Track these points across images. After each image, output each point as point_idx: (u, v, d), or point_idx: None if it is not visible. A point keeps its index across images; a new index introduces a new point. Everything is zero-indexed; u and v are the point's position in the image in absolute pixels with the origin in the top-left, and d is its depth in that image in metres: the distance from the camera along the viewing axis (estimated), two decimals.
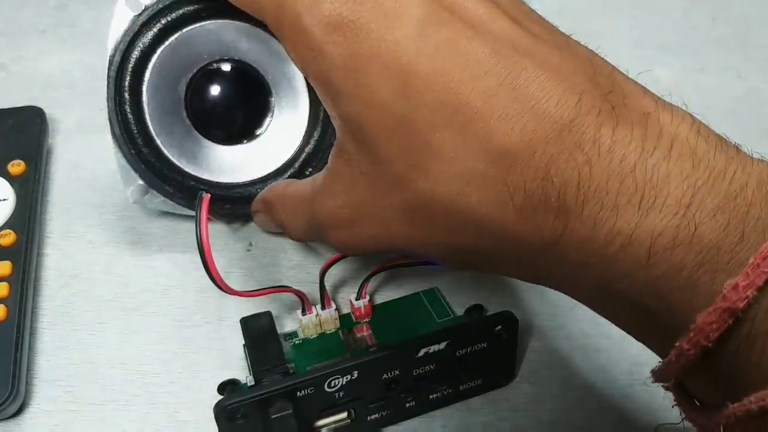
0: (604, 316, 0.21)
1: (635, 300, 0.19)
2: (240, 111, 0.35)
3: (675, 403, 0.21)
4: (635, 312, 0.19)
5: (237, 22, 0.32)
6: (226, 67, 0.34)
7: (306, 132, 0.35)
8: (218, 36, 0.33)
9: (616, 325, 0.21)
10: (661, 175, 0.18)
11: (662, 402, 0.31)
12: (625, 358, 0.32)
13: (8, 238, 0.32)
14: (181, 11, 0.32)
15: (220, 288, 0.26)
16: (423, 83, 0.20)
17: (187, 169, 0.33)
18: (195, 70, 0.33)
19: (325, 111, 0.34)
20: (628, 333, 0.21)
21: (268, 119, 0.35)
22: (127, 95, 0.32)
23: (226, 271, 0.34)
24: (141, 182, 0.32)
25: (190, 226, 0.35)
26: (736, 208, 0.17)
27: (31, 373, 0.30)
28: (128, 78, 0.32)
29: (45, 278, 0.33)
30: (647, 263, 0.18)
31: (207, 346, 0.31)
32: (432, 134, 0.20)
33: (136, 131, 0.32)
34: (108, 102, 0.32)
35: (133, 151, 0.32)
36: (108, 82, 0.31)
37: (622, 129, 0.18)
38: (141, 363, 0.31)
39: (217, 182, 0.34)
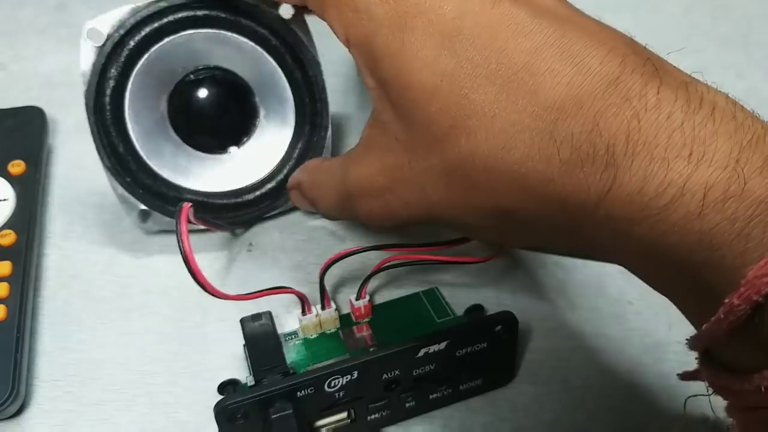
0: (645, 279, 0.21)
1: (683, 256, 0.18)
2: (225, 117, 0.35)
3: (704, 372, 0.21)
4: (682, 270, 0.19)
5: (202, 31, 0.33)
6: (203, 76, 0.34)
7: (296, 129, 0.35)
8: (188, 47, 0.33)
9: (655, 288, 0.21)
10: (708, 132, 0.18)
11: (662, 402, 0.31)
12: (625, 359, 0.32)
13: (8, 238, 0.33)
14: (143, 33, 0.32)
15: (213, 295, 0.26)
16: (467, 40, 0.20)
17: (184, 185, 0.34)
18: (173, 86, 0.33)
19: (311, 105, 0.34)
20: (669, 296, 0.20)
21: (255, 121, 0.35)
22: (111, 127, 0.32)
23: (227, 271, 0.34)
24: (142, 207, 0.32)
25: (192, 225, 0.35)
26: None
27: (32, 374, 0.30)
28: (108, 109, 0.32)
29: (45, 278, 0.33)
30: (700, 215, 0.17)
31: (207, 346, 0.31)
32: (475, 90, 0.20)
33: (127, 159, 0.32)
34: (93, 137, 0.32)
35: (128, 179, 0.32)
36: (89, 118, 0.31)
37: (666, 89, 0.19)
38: (141, 363, 0.31)
39: (215, 192, 0.34)
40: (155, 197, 0.33)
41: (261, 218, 0.36)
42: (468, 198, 0.21)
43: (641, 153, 0.18)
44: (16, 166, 0.35)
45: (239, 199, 0.34)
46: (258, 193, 0.34)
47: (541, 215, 0.20)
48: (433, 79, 0.21)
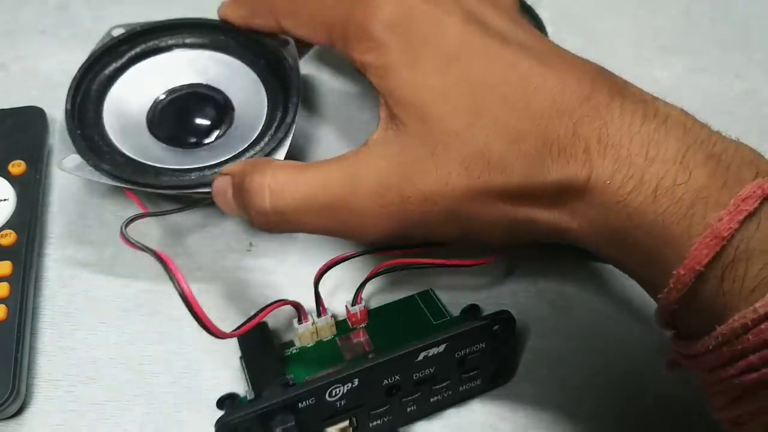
0: (618, 264, 0.25)
1: (644, 238, 0.22)
2: (200, 131, 0.35)
3: (673, 345, 0.25)
4: (644, 251, 0.23)
5: (190, 51, 0.36)
6: (180, 94, 0.36)
7: (268, 109, 0.35)
8: (171, 65, 0.36)
9: (627, 273, 0.25)
10: (661, 136, 0.23)
11: (660, 401, 0.31)
12: (623, 359, 0.32)
13: (9, 238, 0.33)
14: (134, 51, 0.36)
15: (215, 336, 0.25)
16: (467, 65, 0.25)
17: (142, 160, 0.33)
18: (151, 102, 0.36)
19: (283, 102, 0.34)
20: (636, 279, 0.25)
21: (230, 119, 0.36)
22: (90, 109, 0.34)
23: (228, 271, 0.34)
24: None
25: (192, 225, 0.36)
26: (720, 164, 0.22)
27: (32, 373, 0.30)
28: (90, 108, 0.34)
29: (46, 278, 0.34)
30: (654, 200, 0.22)
31: (207, 345, 0.31)
32: (482, 99, 0.25)
33: (91, 120, 0.34)
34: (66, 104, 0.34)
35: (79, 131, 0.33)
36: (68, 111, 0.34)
37: (628, 103, 0.24)
38: (141, 363, 0.31)
39: (185, 168, 0.33)
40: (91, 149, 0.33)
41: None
42: (488, 186, 0.24)
43: (609, 152, 0.23)
44: (17, 166, 0.35)
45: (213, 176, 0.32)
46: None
47: (542, 200, 0.24)
48: (442, 89, 0.25)
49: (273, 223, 0.27)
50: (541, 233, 0.26)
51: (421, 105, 0.25)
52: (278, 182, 0.27)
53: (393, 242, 0.29)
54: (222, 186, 0.29)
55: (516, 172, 0.24)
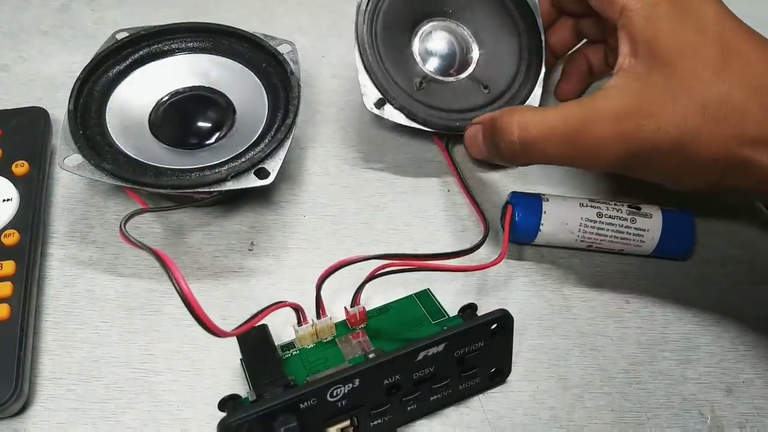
0: None
1: None
2: (203, 131, 0.36)
3: None
4: None
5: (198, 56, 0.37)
6: (181, 97, 0.36)
7: (269, 111, 0.35)
8: (176, 67, 0.37)
9: None
10: None
11: (659, 399, 0.31)
12: (622, 357, 0.32)
13: (12, 238, 0.33)
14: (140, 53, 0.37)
15: (215, 334, 0.25)
16: (722, 31, 0.29)
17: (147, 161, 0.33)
18: (154, 103, 0.36)
19: (283, 113, 0.34)
20: None
21: (232, 121, 0.36)
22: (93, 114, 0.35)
23: (229, 270, 0.34)
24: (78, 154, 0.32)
25: (194, 225, 0.36)
26: None
27: (35, 372, 0.31)
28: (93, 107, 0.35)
29: (49, 278, 0.34)
30: None
31: (209, 344, 0.32)
32: (729, 59, 0.28)
33: (94, 121, 0.34)
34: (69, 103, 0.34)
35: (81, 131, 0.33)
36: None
37: None
38: (144, 361, 0.31)
39: (186, 168, 0.33)
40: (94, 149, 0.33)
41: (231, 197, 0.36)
42: (721, 128, 0.27)
43: None
44: (20, 167, 0.35)
45: (213, 176, 0.32)
46: (230, 172, 0.32)
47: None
48: (696, 44, 0.28)
49: (519, 153, 0.31)
50: (753, 179, 0.28)
51: (674, 55, 0.28)
52: (525, 118, 0.31)
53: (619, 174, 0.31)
54: (473, 132, 0.35)
55: (754, 120, 0.27)
